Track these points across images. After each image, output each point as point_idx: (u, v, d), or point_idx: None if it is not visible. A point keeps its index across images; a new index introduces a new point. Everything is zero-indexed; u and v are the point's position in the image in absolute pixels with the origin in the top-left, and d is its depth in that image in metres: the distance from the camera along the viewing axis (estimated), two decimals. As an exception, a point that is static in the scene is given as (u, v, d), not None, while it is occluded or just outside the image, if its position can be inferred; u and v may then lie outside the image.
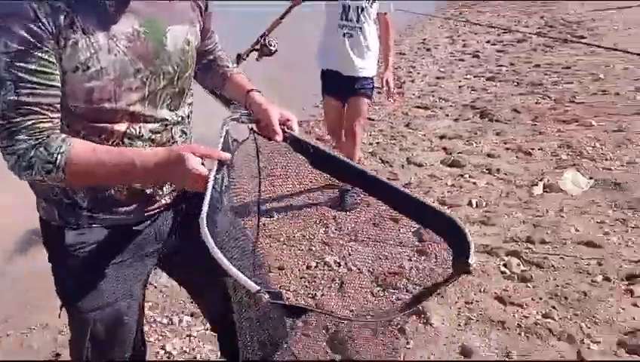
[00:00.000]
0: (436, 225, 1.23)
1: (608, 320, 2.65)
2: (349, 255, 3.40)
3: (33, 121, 1.18)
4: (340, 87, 3.88)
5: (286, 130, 1.47)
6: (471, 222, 3.72)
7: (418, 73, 8.59)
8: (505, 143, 5.24)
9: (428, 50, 10.64)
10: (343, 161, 1.45)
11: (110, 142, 1.33)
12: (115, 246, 1.44)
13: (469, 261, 1.10)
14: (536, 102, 6.47)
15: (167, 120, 1.41)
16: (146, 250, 1.50)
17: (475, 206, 3.98)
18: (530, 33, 10.29)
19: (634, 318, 2.66)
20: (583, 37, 10.12)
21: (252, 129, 1.51)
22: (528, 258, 3.22)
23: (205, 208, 1.12)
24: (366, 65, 3.83)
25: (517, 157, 4.89)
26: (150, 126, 1.38)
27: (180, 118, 1.45)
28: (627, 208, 3.77)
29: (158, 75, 1.35)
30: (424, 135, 5.66)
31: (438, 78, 8.24)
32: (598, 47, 7.85)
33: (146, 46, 1.31)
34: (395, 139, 5.54)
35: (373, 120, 6.17)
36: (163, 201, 1.49)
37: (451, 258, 1.18)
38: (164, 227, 1.52)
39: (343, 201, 3.88)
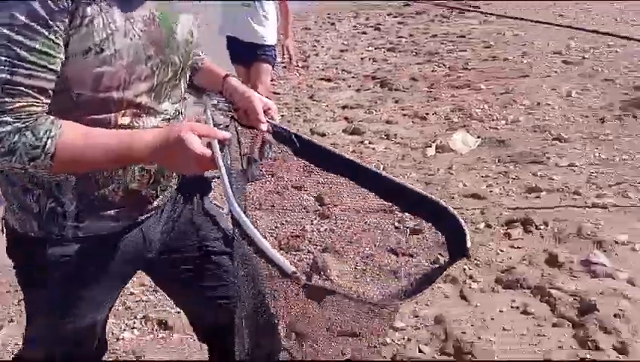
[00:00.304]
0: (424, 211, 1.20)
1: (488, 261, 2.91)
2: (254, 223, 3.51)
3: (22, 104, 1.07)
4: (242, 54, 4.02)
5: (268, 119, 1.41)
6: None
7: (322, 47, 8.73)
8: (402, 110, 5.49)
9: (332, 24, 10.79)
10: (329, 151, 1.38)
11: None
12: (101, 258, 1.33)
13: (467, 245, 1.06)
14: (432, 70, 6.77)
15: (168, 114, 1.32)
16: (134, 257, 1.40)
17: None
18: (428, 1, 10.66)
19: (510, 258, 2.94)
20: (478, 7, 10.60)
21: (233, 117, 1.43)
22: (420, 213, 3.46)
23: (229, 188, 1.06)
24: (265, 34, 3.97)
25: (413, 122, 5.15)
26: (153, 120, 1.28)
27: (177, 113, 1.36)
28: (509, 162, 4.10)
29: (167, 64, 1.27)
30: (327, 106, 5.82)
31: (341, 50, 8.41)
32: (491, 14, 8.30)
33: (160, 32, 1.22)
34: (299, 111, 5.66)
35: (278, 93, 6.25)
36: (155, 204, 1.38)
37: (445, 243, 1.14)
38: (154, 231, 1.42)
39: (248, 172, 3.99)
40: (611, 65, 6.25)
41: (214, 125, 1.30)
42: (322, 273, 2.94)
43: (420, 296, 1.13)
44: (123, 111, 1.21)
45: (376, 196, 1.35)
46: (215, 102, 1.44)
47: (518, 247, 3.02)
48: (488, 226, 3.23)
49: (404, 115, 5.35)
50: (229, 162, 1.21)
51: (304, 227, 3.41)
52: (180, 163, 1.17)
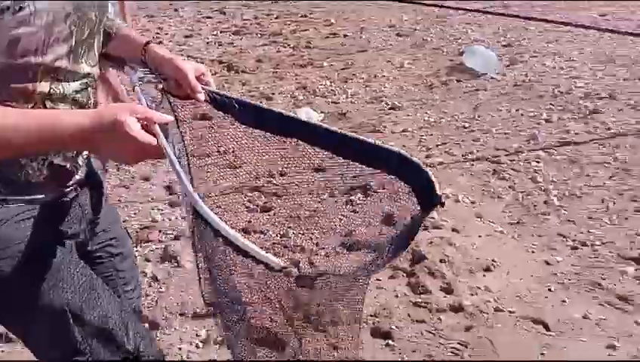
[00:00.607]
0: (384, 163, 1.14)
1: (332, 228, 3.09)
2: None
3: None
4: None
5: (202, 86, 1.29)
6: (220, 166, 3.96)
7: (166, 34, 8.51)
8: (250, 92, 5.56)
9: (176, 10, 10.53)
10: (277, 113, 1.29)
11: (30, 106, 1.10)
12: (40, 221, 1.18)
13: (437, 192, 0.98)
14: (277, 51, 6.90)
15: (88, 77, 1.19)
16: (74, 223, 1.28)
17: (222, 153, 4.22)
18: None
19: (352, 222, 3.14)
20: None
21: (163, 89, 1.30)
22: (269, 190, 3.57)
23: (188, 183, 0.97)
24: None
25: (260, 102, 5.24)
26: (72, 85, 1.15)
27: (95, 76, 1.23)
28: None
29: (84, 22, 1.14)
30: (174, 94, 5.73)
31: (186, 36, 8.26)
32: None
33: None
34: (145, 102, 5.53)
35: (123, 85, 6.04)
36: (77, 177, 1.26)
37: (413, 195, 1.06)
38: (85, 205, 1.31)
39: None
40: (439, 34, 6.76)
41: (146, 103, 1.19)
42: (173, 260, 2.96)
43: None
44: (41, 78, 1.10)
45: (331, 154, 1.26)
46: (141, 75, 1.30)
47: (358, 212, 3.23)
48: (332, 196, 3.41)
49: (252, 96, 5.42)
50: (176, 150, 1.08)
51: (154, 218, 3.39)
52: (118, 150, 1.03)
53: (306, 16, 8.65)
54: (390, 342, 2.30)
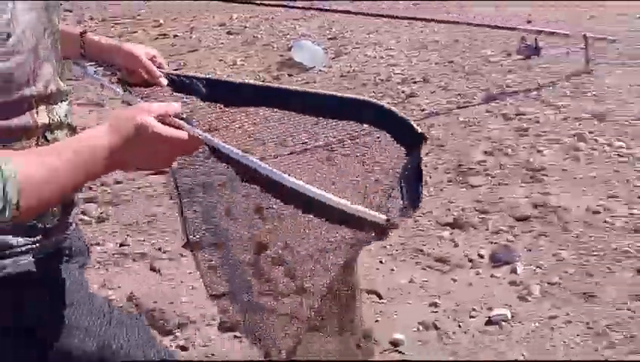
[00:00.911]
0: (358, 114, 1.09)
1: (174, 231, 3.11)
2: None
3: None
4: None
5: (160, 70, 1.23)
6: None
7: None
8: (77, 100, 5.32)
9: None
10: (249, 84, 1.24)
11: (34, 141, 0.97)
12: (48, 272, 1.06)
13: (418, 131, 0.97)
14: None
15: (68, 93, 1.07)
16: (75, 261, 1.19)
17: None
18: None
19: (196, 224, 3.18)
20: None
21: (119, 80, 1.22)
22: (104, 199, 3.48)
23: (240, 153, 0.95)
24: None
25: (89, 111, 5.05)
26: (62, 106, 1.04)
27: (70, 92, 1.11)
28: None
29: (53, 32, 1.01)
30: None
31: (0, 45, 7.67)
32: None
33: None
34: None
35: None
36: (74, 212, 1.16)
37: (393, 140, 1.04)
38: (81, 238, 1.24)
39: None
40: (268, 31, 6.93)
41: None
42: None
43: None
44: (36, 108, 0.98)
45: (308, 115, 1.21)
46: (94, 69, 1.23)
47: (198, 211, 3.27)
48: (172, 199, 3.41)
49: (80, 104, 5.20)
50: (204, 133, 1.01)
51: None
52: (148, 156, 0.93)
53: (133, 17, 8.39)
54: (237, 334, 2.38)
